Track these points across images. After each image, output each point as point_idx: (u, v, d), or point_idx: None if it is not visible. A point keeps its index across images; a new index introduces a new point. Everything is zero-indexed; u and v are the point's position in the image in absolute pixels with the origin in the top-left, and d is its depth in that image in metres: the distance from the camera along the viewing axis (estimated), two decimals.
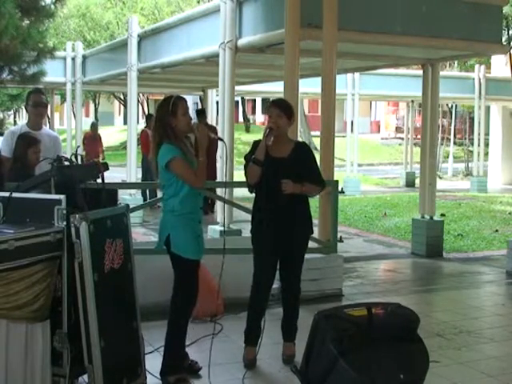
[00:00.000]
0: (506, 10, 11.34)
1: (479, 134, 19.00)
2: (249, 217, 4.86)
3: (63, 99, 26.48)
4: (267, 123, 4.55)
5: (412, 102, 20.29)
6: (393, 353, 3.62)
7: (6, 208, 3.58)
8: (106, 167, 3.96)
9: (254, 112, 43.70)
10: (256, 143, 4.59)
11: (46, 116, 8.02)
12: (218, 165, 9.20)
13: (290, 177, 4.42)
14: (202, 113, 12.69)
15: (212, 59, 8.51)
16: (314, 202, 12.21)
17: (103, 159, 13.56)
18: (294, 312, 4.74)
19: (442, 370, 4.52)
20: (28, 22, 8.48)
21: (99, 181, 3.90)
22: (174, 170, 4.12)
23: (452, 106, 26.08)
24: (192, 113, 5.14)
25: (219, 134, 8.26)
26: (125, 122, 33.15)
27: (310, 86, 11.51)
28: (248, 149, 4.72)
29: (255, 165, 4.43)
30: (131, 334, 3.90)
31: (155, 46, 10.52)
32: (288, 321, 4.74)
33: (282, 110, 4.53)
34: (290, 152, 4.56)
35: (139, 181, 12.42)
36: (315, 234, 6.74)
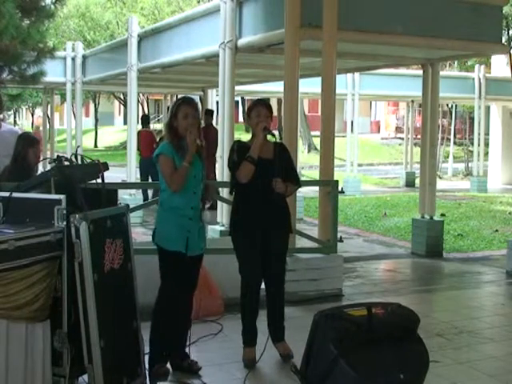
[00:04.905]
0: (506, 9, 11.33)
1: (479, 134, 18.98)
2: None
3: (63, 99, 26.46)
4: (259, 123, 4.53)
5: (412, 101, 20.27)
6: (393, 353, 3.63)
7: (6, 208, 3.58)
8: (106, 167, 3.96)
9: None
10: (238, 143, 4.65)
11: (45, 117, 8.06)
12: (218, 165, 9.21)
13: (279, 177, 4.47)
14: (208, 113, 12.73)
15: (212, 59, 8.51)
16: (314, 202, 12.19)
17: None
18: (281, 312, 4.73)
19: (441, 369, 4.51)
20: (28, 22, 8.50)
21: (99, 181, 3.90)
22: (159, 166, 4.27)
23: (452, 106, 26.04)
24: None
25: (219, 134, 8.29)
26: (125, 122, 33.12)
27: (310, 86, 11.49)
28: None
29: (250, 163, 4.45)
30: (131, 333, 3.90)
31: (155, 45, 10.51)
32: (277, 322, 4.71)
33: (269, 111, 4.63)
34: (273, 153, 4.61)
35: (139, 181, 12.42)
36: (315, 234, 6.77)
